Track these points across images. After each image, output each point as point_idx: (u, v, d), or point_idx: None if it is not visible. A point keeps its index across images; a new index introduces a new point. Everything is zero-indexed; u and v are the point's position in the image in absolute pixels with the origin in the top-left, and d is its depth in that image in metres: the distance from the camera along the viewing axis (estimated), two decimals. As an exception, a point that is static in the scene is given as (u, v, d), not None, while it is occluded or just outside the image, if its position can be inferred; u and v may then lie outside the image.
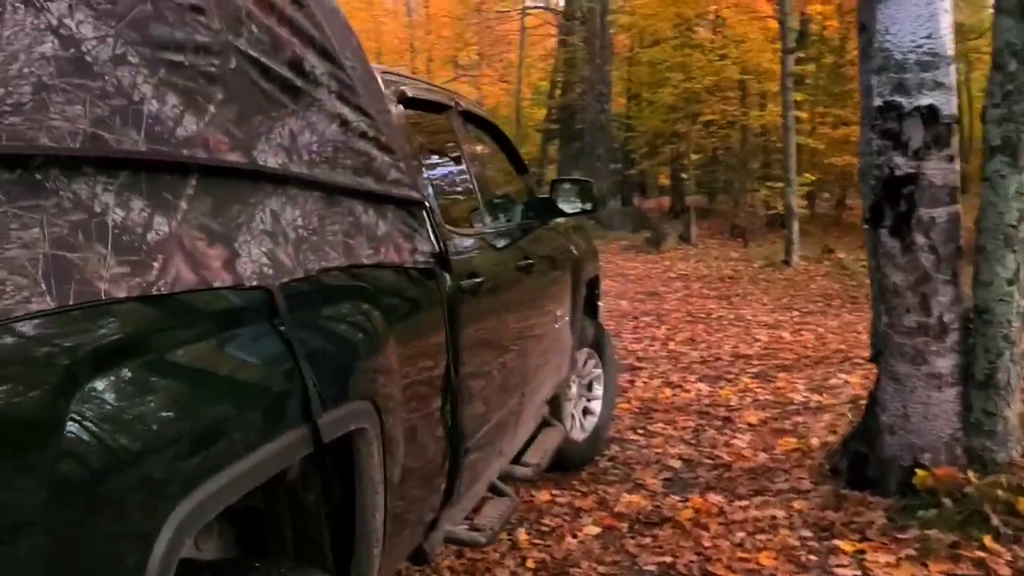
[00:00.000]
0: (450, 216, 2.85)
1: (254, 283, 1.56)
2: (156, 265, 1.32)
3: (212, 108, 1.49)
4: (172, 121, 1.38)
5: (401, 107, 2.65)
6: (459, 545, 3.10)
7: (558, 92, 29.48)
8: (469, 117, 3.39)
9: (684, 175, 19.40)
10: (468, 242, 2.87)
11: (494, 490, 3.24)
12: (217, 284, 1.46)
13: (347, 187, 1.96)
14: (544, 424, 4.11)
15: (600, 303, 5.17)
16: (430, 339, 2.37)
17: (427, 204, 2.39)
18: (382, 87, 2.58)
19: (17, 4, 1.11)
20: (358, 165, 2.03)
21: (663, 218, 20.71)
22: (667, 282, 12.39)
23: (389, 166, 2.18)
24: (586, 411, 4.85)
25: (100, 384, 1.15)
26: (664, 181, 27.05)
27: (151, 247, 1.32)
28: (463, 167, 3.13)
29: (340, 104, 1.97)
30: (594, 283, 4.98)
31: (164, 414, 1.26)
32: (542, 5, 31.22)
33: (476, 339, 2.73)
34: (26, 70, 1.11)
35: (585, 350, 4.75)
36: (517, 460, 3.66)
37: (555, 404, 4.30)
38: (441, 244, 2.46)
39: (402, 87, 2.70)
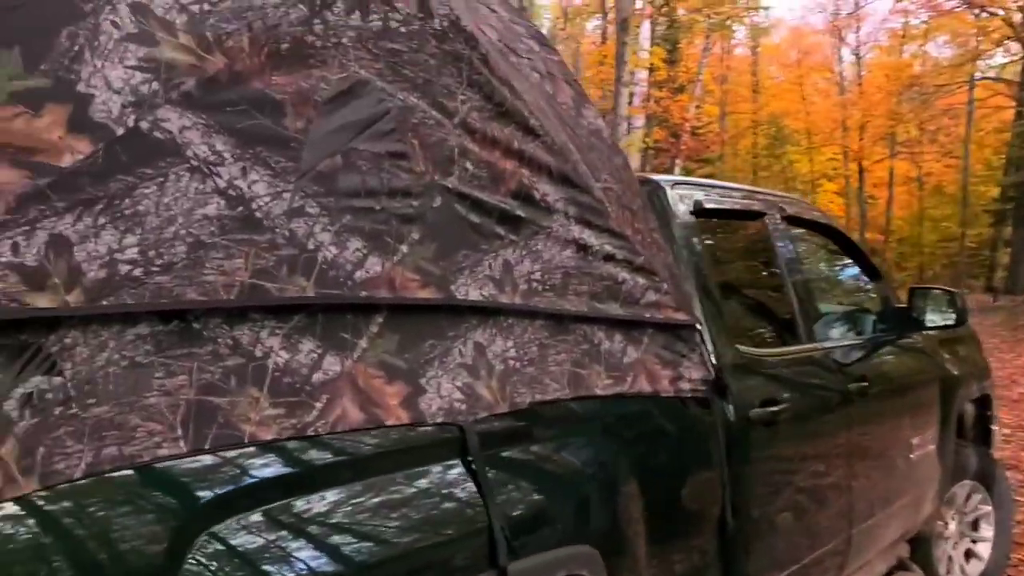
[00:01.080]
0: (752, 335, 2.62)
1: (439, 420, 1.55)
2: (318, 405, 1.37)
3: (404, 248, 1.53)
4: (351, 264, 1.44)
5: (694, 218, 2.51)
6: None
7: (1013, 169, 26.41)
8: (798, 222, 3.12)
9: None
10: (772, 364, 2.61)
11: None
12: (391, 422, 1.47)
13: (581, 314, 1.89)
14: (899, 567, 3.57)
15: (994, 426, 4.41)
16: (696, 474, 2.18)
17: (699, 327, 2.22)
18: (672, 202, 2.48)
19: (181, 172, 1.24)
20: (599, 290, 1.95)
21: None
22: None
23: (645, 288, 2.07)
24: (969, 554, 4.13)
25: (219, 531, 1.21)
26: None
27: (315, 387, 1.37)
28: (779, 279, 2.88)
29: (580, 229, 1.91)
30: (984, 403, 4.27)
31: (297, 562, 1.29)
32: (992, 76, 28.37)
33: (769, 473, 2.46)
34: (183, 231, 1.23)
35: (967, 483, 4.07)
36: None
37: (920, 544, 3.73)
38: (719, 370, 2.26)
39: (697, 197, 2.57)
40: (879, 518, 3.14)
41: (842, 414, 2.87)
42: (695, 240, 2.49)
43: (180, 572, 1.15)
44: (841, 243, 3.50)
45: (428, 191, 1.59)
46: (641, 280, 2.06)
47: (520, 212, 1.78)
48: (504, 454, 1.68)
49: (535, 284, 1.80)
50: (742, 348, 2.48)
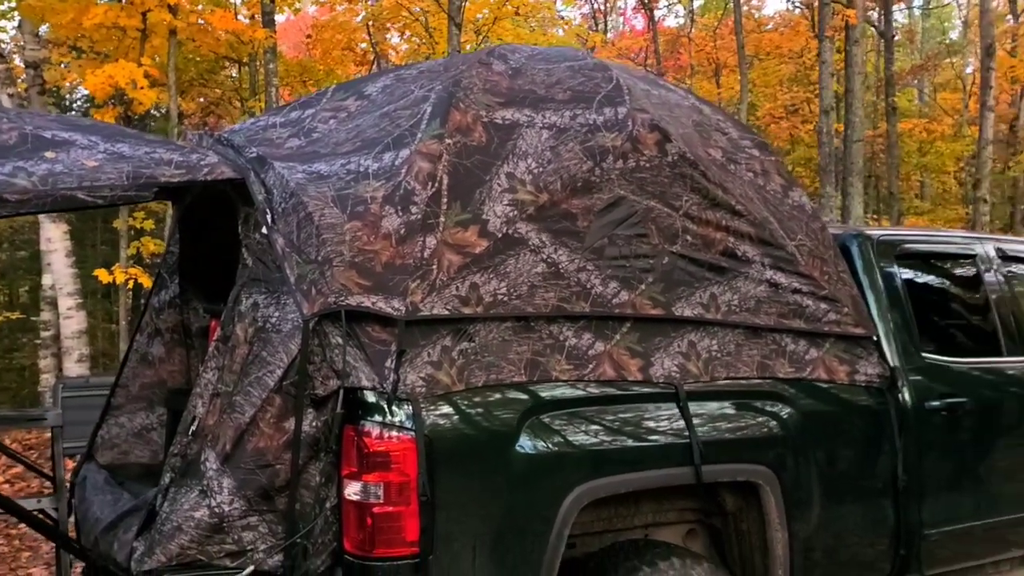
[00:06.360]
0: (948, 349, 3.50)
1: (661, 381, 2.81)
2: (590, 366, 2.71)
3: (642, 286, 2.82)
4: (610, 295, 2.76)
5: (895, 260, 3.46)
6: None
7: None
8: (1009, 257, 3.82)
9: None
10: (958, 369, 3.46)
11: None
12: (630, 379, 2.77)
13: (766, 327, 3.02)
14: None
15: None
16: (865, 437, 3.18)
17: (876, 338, 3.22)
18: (876, 249, 3.45)
19: (524, 252, 2.65)
20: (785, 312, 3.06)
21: None
22: None
23: (827, 311, 3.13)
24: None
25: (541, 417, 2.61)
26: None
27: (588, 357, 2.71)
28: (982, 303, 3.66)
29: (773, 272, 3.05)
30: None
31: (586, 440, 2.65)
32: None
33: (945, 448, 3.35)
34: (525, 280, 2.63)
35: None
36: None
37: None
38: (893, 370, 3.23)
39: (901, 244, 3.51)
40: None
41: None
42: (896, 276, 3.43)
43: (528, 432, 2.56)
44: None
45: (660, 254, 2.87)
46: (824, 305, 3.13)
47: (724, 264, 2.98)
48: (711, 404, 2.89)
49: (733, 307, 2.98)
50: (929, 356, 3.38)
